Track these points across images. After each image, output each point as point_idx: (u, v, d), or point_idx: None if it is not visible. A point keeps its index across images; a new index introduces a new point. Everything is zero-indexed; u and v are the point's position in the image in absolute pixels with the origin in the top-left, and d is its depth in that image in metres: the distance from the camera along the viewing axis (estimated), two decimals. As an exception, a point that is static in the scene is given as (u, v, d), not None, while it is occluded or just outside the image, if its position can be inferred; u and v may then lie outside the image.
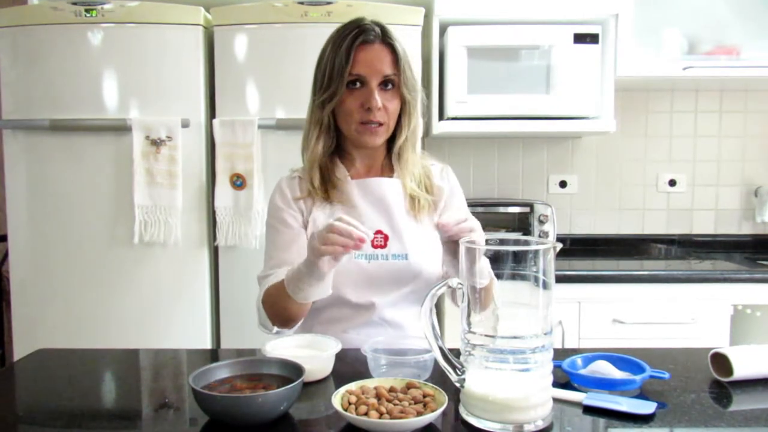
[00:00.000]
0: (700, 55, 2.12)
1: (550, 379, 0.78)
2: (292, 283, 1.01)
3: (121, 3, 1.80)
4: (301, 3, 1.81)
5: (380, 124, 1.12)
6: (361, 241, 0.90)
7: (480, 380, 0.76)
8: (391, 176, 1.21)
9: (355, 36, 1.10)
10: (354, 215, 1.06)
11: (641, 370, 0.90)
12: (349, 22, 1.13)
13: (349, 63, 1.09)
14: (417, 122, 1.18)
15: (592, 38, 2.03)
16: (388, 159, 1.23)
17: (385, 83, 1.12)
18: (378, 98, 1.10)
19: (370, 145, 1.16)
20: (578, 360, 0.94)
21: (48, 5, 1.81)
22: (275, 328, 1.11)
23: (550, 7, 2.04)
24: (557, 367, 0.88)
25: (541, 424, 0.75)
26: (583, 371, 0.91)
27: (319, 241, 0.93)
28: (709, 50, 2.13)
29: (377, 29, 1.11)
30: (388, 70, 1.11)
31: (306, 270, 0.98)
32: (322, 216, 1.16)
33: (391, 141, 1.20)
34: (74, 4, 1.79)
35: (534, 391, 0.75)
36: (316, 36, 1.82)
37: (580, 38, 2.03)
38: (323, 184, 1.17)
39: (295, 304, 1.04)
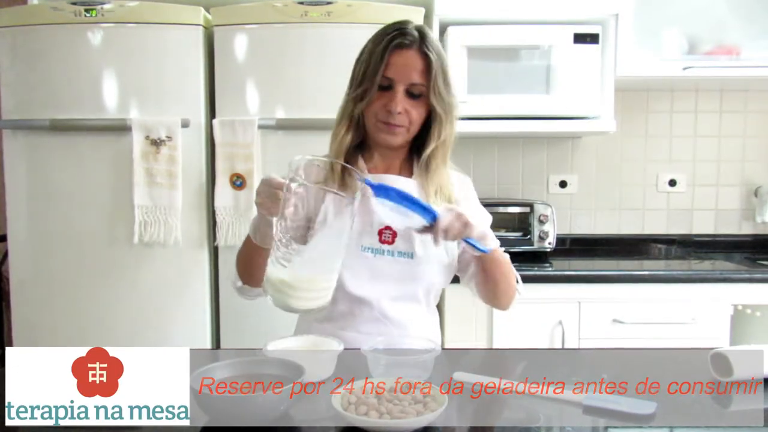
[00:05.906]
0: (700, 55, 2.12)
1: None
2: (252, 225, 1.07)
3: (121, 3, 1.80)
4: (301, 3, 1.81)
5: (400, 126, 1.12)
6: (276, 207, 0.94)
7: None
8: (408, 177, 1.21)
9: (392, 38, 1.09)
10: (364, 210, 1.08)
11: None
12: (393, 23, 1.13)
13: (383, 65, 1.09)
14: (448, 134, 1.16)
15: (592, 38, 2.03)
16: (408, 161, 1.23)
17: (412, 90, 1.11)
18: (399, 103, 1.10)
19: (387, 144, 1.16)
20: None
21: (48, 5, 1.81)
22: (239, 282, 1.16)
23: (550, 7, 2.04)
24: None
25: None
26: None
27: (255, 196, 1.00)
28: (709, 50, 2.13)
29: (416, 34, 1.10)
30: (416, 78, 1.10)
31: (259, 215, 1.04)
32: (332, 207, 1.15)
33: (413, 144, 1.19)
34: (74, 4, 1.79)
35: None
36: (316, 36, 1.86)
37: (580, 38, 2.03)
38: (342, 175, 1.16)
39: (256, 251, 1.07)
